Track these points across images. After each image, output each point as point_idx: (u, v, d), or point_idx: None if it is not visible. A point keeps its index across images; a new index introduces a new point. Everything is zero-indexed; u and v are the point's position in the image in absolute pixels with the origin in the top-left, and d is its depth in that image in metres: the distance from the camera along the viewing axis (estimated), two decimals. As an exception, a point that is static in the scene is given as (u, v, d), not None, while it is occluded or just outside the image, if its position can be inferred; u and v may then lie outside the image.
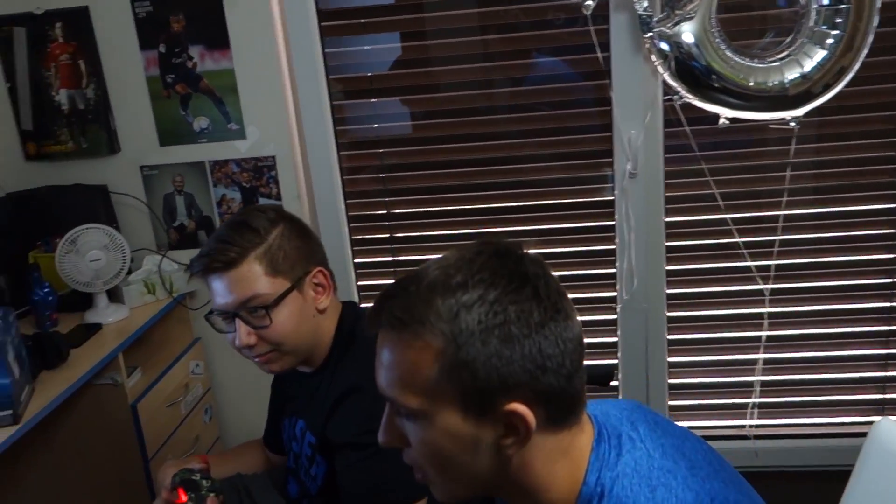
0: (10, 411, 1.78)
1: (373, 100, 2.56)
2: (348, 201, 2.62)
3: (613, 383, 2.59)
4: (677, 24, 2.09)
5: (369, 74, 2.53)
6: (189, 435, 2.47)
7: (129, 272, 2.40)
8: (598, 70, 2.34)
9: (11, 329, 1.85)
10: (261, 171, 2.53)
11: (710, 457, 1.03)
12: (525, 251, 0.96)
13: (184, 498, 1.56)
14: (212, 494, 1.61)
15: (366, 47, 2.51)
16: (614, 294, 2.54)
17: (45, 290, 2.27)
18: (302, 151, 2.56)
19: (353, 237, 2.65)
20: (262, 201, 2.55)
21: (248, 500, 1.71)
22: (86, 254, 2.27)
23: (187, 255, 2.31)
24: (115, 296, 2.40)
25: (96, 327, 2.28)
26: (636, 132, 2.35)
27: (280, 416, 1.74)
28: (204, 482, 1.60)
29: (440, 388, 0.89)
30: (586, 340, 0.96)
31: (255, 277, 1.47)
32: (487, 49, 2.45)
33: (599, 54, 2.30)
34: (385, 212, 2.63)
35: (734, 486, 0.99)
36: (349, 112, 2.57)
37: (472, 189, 2.58)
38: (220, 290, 1.48)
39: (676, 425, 1.09)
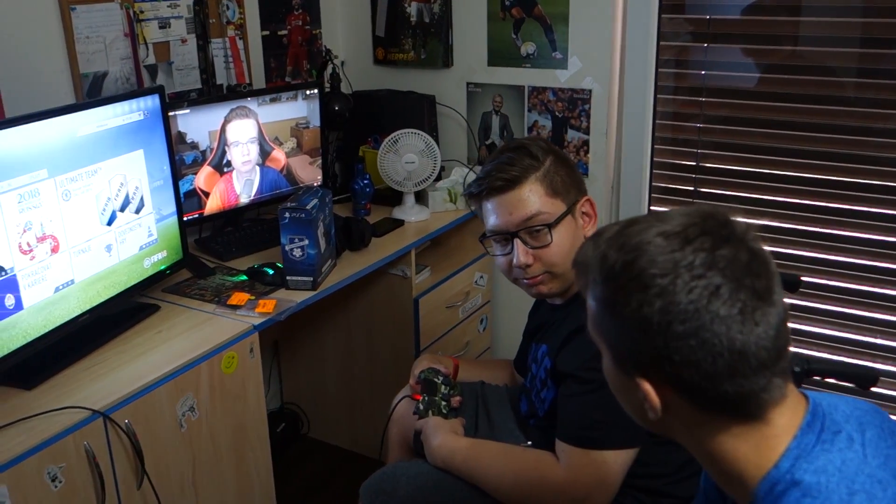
0: (311, 278, 2.06)
1: (705, 45, 2.44)
2: (656, 146, 2.55)
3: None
4: None
5: (707, 17, 2.41)
6: (461, 338, 2.66)
7: (438, 179, 2.59)
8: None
9: (326, 209, 2.11)
10: (575, 103, 2.55)
11: None
12: (733, 238, 0.91)
13: (417, 398, 1.73)
14: (453, 392, 1.75)
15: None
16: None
17: (365, 181, 2.55)
18: (619, 89, 2.52)
19: (654, 184, 2.58)
20: (571, 133, 2.58)
21: (483, 408, 1.83)
22: (403, 155, 2.50)
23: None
24: (421, 198, 2.61)
25: (399, 223, 2.51)
26: None
27: (530, 341, 1.81)
28: (443, 386, 1.74)
29: (599, 333, 0.95)
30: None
31: (537, 197, 1.53)
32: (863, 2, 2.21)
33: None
34: (694, 163, 2.52)
35: None
36: (676, 55, 2.47)
37: (799, 155, 2.37)
38: (500, 211, 1.55)
39: None
